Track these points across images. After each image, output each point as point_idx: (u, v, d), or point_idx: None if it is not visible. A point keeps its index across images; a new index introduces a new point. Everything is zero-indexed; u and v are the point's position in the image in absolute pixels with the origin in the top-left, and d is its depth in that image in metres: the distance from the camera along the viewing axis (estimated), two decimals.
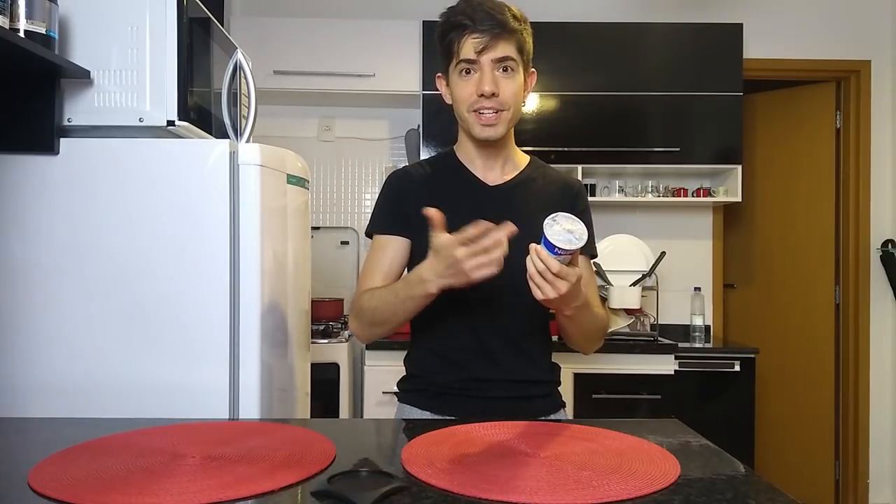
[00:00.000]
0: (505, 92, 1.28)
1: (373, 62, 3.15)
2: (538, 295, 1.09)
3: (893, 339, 3.52)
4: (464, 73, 1.29)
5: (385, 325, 1.29)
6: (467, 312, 1.30)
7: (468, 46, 1.26)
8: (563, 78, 3.16)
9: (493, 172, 1.39)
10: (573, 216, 1.09)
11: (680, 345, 2.99)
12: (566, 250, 1.06)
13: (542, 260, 1.06)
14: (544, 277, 1.07)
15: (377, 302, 1.27)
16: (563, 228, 1.07)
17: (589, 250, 1.41)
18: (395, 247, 1.36)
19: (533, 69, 1.36)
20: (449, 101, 1.36)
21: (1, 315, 1.41)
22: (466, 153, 1.40)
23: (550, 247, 1.06)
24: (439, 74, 1.37)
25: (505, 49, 1.26)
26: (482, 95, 1.27)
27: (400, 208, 1.37)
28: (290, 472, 0.88)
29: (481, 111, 1.29)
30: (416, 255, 1.36)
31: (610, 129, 3.19)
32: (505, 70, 1.28)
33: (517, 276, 1.10)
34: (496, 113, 1.29)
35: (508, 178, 1.39)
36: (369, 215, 1.43)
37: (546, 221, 1.07)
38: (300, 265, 1.76)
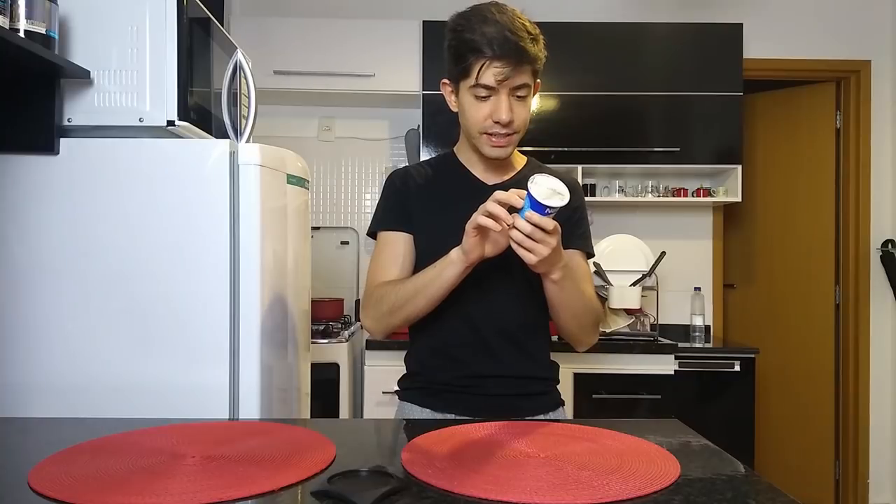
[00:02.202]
0: (518, 118, 1.28)
1: (373, 62, 3.15)
2: (531, 259, 1.11)
3: (893, 339, 3.52)
4: (479, 96, 1.27)
5: (403, 308, 1.28)
6: (465, 307, 1.30)
7: (489, 75, 1.23)
8: (563, 78, 3.15)
9: (492, 173, 1.40)
10: (548, 175, 1.11)
11: (680, 345, 2.99)
12: (555, 207, 1.08)
13: (535, 223, 1.08)
14: (533, 238, 1.09)
15: (399, 289, 1.28)
16: (547, 188, 1.08)
17: (586, 248, 1.42)
18: (403, 242, 1.37)
19: (538, 79, 1.35)
20: (454, 109, 1.36)
21: (1, 315, 1.41)
22: (466, 155, 1.41)
23: (540, 208, 1.07)
24: (445, 81, 1.35)
25: (523, 78, 1.26)
26: (497, 122, 1.27)
27: (402, 206, 1.38)
28: (290, 472, 0.88)
29: (493, 135, 1.29)
30: (419, 253, 1.37)
31: (610, 129, 3.19)
32: (520, 97, 1.28)
33: (513, 266, 1.11)
34: (507, 136, 1.30)
35: (507, 178, 1.40)
36: (369, 215, 1.43)
37: (529, 185, 1.08)
38: (300, 265, 1.76)
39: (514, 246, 1.11)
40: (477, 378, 1.33)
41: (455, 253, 1.20)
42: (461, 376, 1.34)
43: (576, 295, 1.28)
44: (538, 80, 1.34)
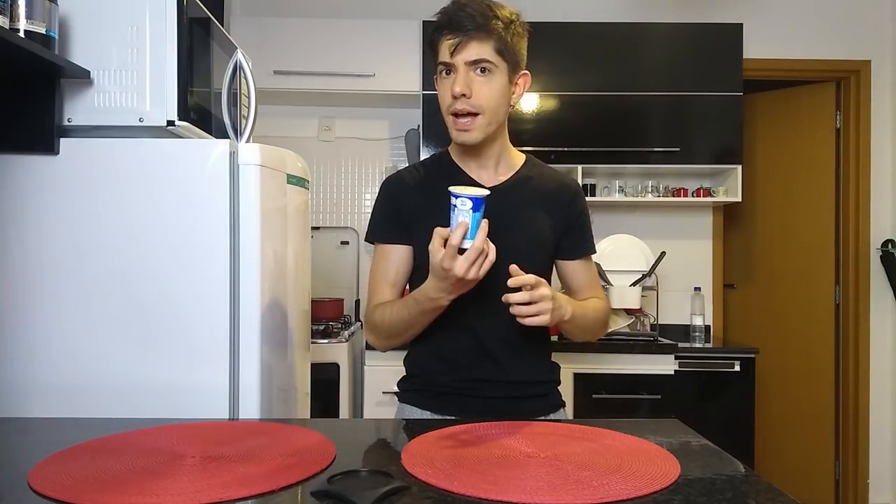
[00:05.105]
0: (479, 94, 1.25)
1: (373, 62, 3.15)
2: (545, 321, 1.16)
3: (893, 339, 3.52)
4: (443, 73, 1.28)
5: (402, 336, 1.34)
6: (465, 313, 1.30)
7: (444, 48, 1.25)
8: (563, 78, 3.16)
9: (487, 172, 1.38)
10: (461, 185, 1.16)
11: (680, 345, 2.99)
12: (483, 196, 1.11)
13: (522, 283, 1.14)
14: (532, 301, 1.14)
15: (391, 318, 1.30)
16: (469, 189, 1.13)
17: (591, 251, 1.43)
18: (397, 254, 1.37)
19: (526, 71, 1.32)
20: None
21: (1, 315, 1.41)
22: (460, 154, 1.40)
23: (477, 202, 1.11)
24: (435, 76, 1.36)
25: (479, 50, 1.24)
26: (454, 97, 1.25)
27: (397, 215, 1.37)
28: (290, 472, 0.88)
29: (457, 115, 1.28)
30: (418, 259, 1.36)
31: (610, 129, 3.19)
32: (482, 71, 1.25)
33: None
34: (471, 118, 1.27)
35: (504, 178, 1.38)
36: (369, 216, 1.43)
37: (453, 202, 1.12)
38: (300, 265, 1.76)
39: (528, 321, 1.15)
40: (477, 381, 1.33)
41: (444, 300, 1.21)
42: (461, 380, 1.34)
43: (586, 321, 1.32)
44: (525, 72, 1.32)
